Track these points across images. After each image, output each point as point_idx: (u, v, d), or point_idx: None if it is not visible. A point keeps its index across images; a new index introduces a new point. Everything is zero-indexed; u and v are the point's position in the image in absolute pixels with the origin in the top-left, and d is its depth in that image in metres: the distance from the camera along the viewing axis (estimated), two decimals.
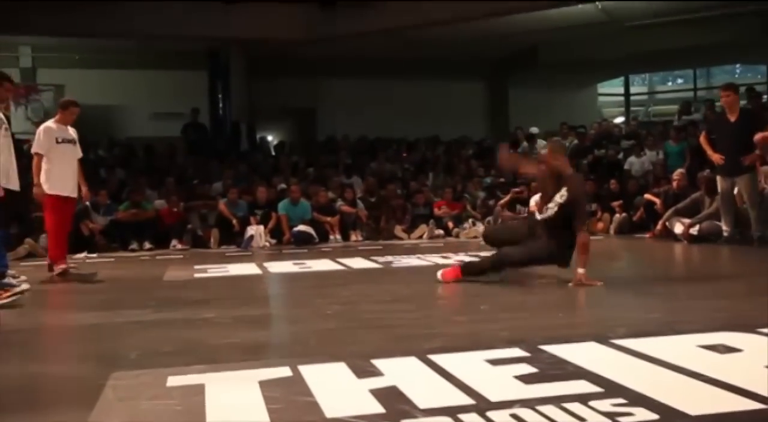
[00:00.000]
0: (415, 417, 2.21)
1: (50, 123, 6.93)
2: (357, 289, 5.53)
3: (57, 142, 6.79)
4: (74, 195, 6.96)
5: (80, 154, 7.08)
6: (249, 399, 2.44)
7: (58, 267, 6.70)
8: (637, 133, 14.18)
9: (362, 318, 4.15)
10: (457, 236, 10.69)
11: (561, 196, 5.09)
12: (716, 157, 8.16)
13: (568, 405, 2.27)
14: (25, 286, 5.38)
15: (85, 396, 2.56)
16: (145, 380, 2.75)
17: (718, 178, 8.30)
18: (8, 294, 4.99)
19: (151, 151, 13.58)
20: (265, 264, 7.41)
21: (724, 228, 8.28)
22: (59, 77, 15.18)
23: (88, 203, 9.90)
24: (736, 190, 8.23)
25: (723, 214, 8.29)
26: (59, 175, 6.73)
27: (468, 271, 5.43)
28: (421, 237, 10.64)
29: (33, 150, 6.75)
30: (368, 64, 15.87)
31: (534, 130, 14.85)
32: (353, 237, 10.56)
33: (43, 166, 6.67)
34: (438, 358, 2.90)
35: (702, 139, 8.53)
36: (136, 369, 2.95)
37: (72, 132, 6.99)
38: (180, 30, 13.20)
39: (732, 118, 8.14)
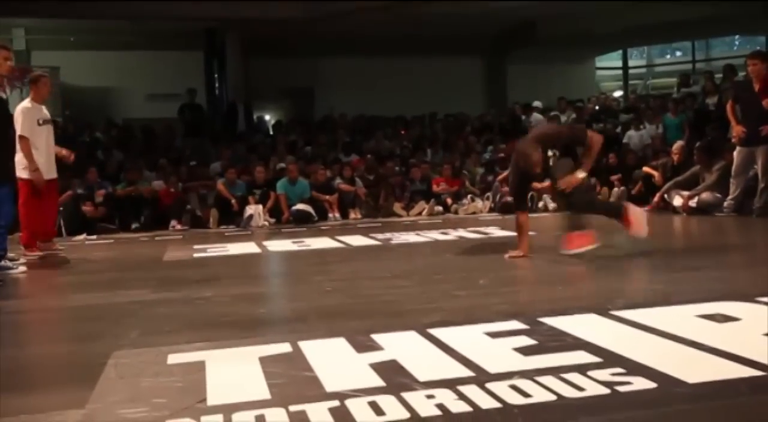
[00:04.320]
0: (414, 389, 2.22)
1: (26, 103, 6.62)
2: (356, 266, 5.55)
3: (38, 124, 6.58)
4: (55, 175, 6.84)
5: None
6: (249, 375, 2.46)
7: (32, 253, 6.62)
8: (636, 107, 14.14)
9: (362, 294, 4.16)
10: (456, 212, 10.69)
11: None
12: (738, 129, 8.03)
13: (567, 376, 2.29)
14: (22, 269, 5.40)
15: (86, 374, 2.57)
16: (146, 358, 2.77)
17: (738, 147, 8.18)
18: None
19: (148, 133, 13.53)
20: (265, 243, 7.41)
21: (730, 197, 8.23)
22: (54, 59, 15.03)
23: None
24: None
25: (734, 185, 8.21)
26: (43, 159, 6.58)
27: None
28: (420, 214, 10.64)
29: (19, 133, 6.31)
30: (365, 42, 15.75)
31: (537, 103, 14.80)
32: (352, 215, 10.55)
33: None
34: (437, 332, 2.91)
35: (728, 109, 8.34)
36: (137, 347, 2.97)
37: (46, 110, 6.80)
38: (175, 10, 13.07)
39: (757, 87, 8.00)
